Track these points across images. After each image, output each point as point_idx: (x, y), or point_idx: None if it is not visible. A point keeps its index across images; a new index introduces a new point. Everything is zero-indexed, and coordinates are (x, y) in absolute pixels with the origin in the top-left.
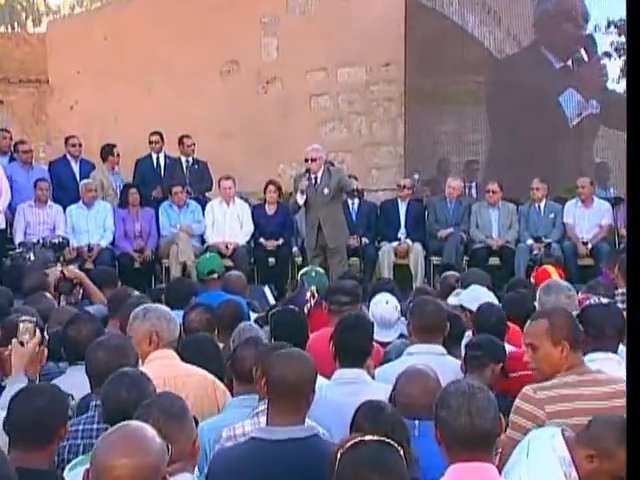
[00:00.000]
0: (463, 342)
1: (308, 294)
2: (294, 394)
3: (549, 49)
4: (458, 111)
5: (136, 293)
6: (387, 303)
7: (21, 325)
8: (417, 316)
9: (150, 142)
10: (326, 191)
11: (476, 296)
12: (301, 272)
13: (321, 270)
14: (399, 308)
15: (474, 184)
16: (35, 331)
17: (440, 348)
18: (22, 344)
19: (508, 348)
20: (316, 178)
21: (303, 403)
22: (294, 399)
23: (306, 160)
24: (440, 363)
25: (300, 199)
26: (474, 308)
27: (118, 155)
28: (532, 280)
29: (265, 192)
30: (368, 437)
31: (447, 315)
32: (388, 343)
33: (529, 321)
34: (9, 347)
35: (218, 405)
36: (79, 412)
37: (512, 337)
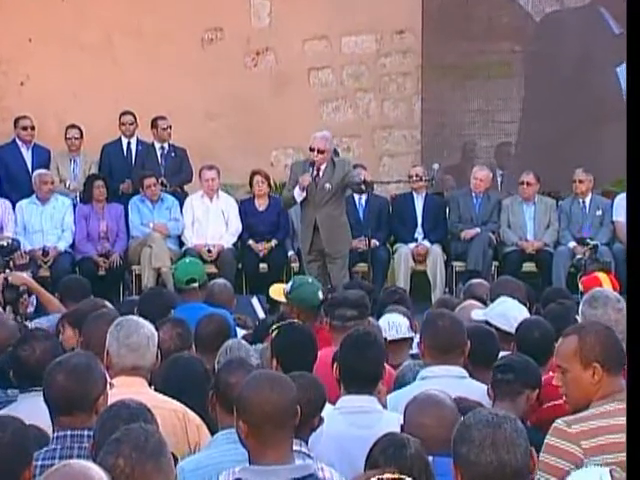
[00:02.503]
0: None
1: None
2: (273, 425)
3: (610, 9)
4: (486, 86)
5: (109, 305)
6: (397, 333)
7: None
8: (430, 333)
9: (122, 124)
10: (327, 187)
11: (502, 311)
12: (287, 288)
13: (310, 279)
14: (408, 320)
15: (500, 173)
16: None
17: (460, 370)
18: None
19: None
20: (318, 171)
21: (287, 435)
22: (275, 431)
23: (311, 149)
24: (461, 388)
25: (298, 196)
26: (500, 325)
27: (77, 138)
28: (580, 289)
29: (251, 185)
30: (387, 475)
31: (478, 332)
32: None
33: (560, 338)
34: None
35: (189, 442)
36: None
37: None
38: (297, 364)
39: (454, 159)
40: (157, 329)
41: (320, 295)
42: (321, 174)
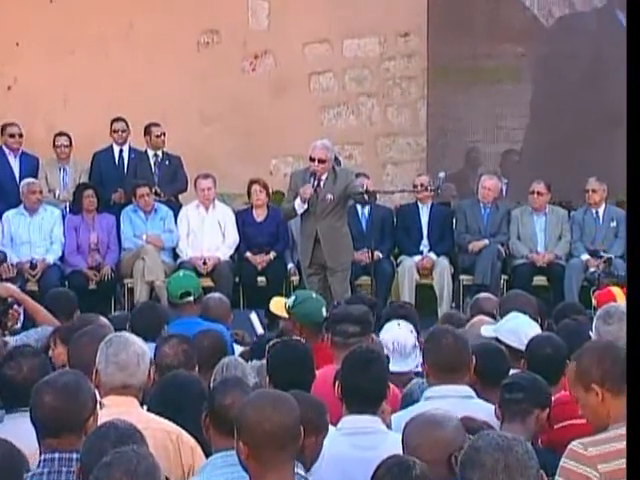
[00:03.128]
0: None
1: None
2: (275, 447)
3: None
4: (493, 91)
5: (103, 320)
6: (399, 325)
7: None
8: (433, 352)
9: (113, 131)
10: (329, 197)
11: (513, 327)
12: (289, 302)
13: (314, 295)
14: (415, 333)
15: (505, 182)
16: None
17: (466, 389)
18: None
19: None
20: (319, 180)
21: (289, 458)
22: (277, 453)
23: (312, 159)
24: (467, 408)
25: (300, 208)
26: (511, 342)
27: (67, 146)
28: (594, 304)
29: (249, 194)
30: None
31: (487, 350)
32: (405, 378)
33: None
34: None
35: (182, 465)
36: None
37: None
38: (292, 383)
39: (457, 166)
40: (162, 343)
41: (324, 312)
42: (322, 184)
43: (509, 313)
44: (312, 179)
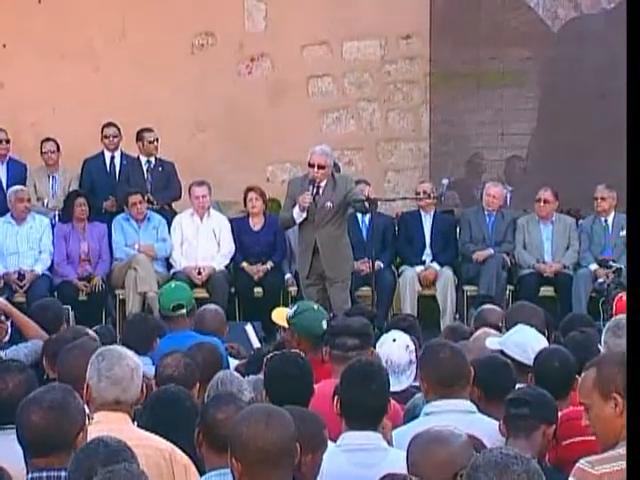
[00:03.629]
0: None
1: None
2: (269, 464)
3: None
4: (497, 95)
5: (91, 333)
6: (394, 341)
7: None
8: (431, 367)
9: (105, 137)
10: (328, 205)
11: (519, 340)
12: (290, 312)
13: (315, 306)
14: (412, 348)
15: (510, 189)
16: None
17: (467, 404)
18: None
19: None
20: (318, 188)
21: (285, 476)
22: (272, 471)
23: (311, 165)
24: (470, 424)
25: (299, 217)
26: (517, 356)
27: (54, 152)
28: (612, 310)
29: (245, 202)
30: None
31: (492, 363)
32: (402, 396)
33: (582, 373)
34: None
35: None
36: None
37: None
38: (289, 398)
39: (460, 173)
40: (166, 356)
41: (324, 324)
42: (321, 192)
43: (515, 325)
44: (311, 186)
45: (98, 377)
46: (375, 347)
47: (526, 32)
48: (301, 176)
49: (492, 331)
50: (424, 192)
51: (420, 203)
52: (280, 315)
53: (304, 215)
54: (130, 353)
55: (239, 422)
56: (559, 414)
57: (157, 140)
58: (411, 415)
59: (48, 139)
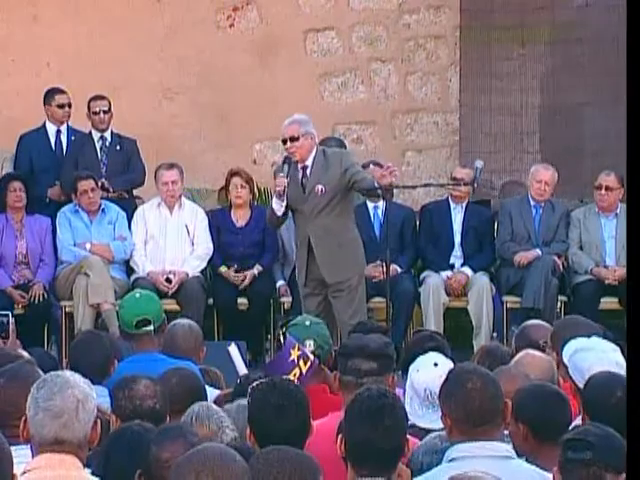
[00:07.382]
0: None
1: (293, 353)
2: None
3: None
4: (547, 52)
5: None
6: (436, 366)
7: None
8: (457, 401)
9: (50, 105)
10: (319, 189)
11: (586, 360)
12: (284, 322)
13: (316, 319)
14: None
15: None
16: None
17: (503, 446)
18: None
19: None
20: (304, 169)
21: None
22: None
23: (284, 142)
24: (506, 471)
25: (277, 206)
26: (578, 378)
27: None
28: None
29: (228, 190)
30: None
31: (542, 394)
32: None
33: None
34: None
35: None
36: None
37: None
38: (280, 436)
39: (497, 154)
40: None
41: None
42: (308, 172)
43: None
44: (285, 165)
45: (35, 409)
46: (394, 373)
47: None
48: (280, 161)
49: (538, 353)
50: (461, 179)
51: (454, 192)
52: None
53: (283, 204)
54: (80, 381)
55: (175, 471)
56: None
57: (110, 109)
58: (413, 460)
59: None
